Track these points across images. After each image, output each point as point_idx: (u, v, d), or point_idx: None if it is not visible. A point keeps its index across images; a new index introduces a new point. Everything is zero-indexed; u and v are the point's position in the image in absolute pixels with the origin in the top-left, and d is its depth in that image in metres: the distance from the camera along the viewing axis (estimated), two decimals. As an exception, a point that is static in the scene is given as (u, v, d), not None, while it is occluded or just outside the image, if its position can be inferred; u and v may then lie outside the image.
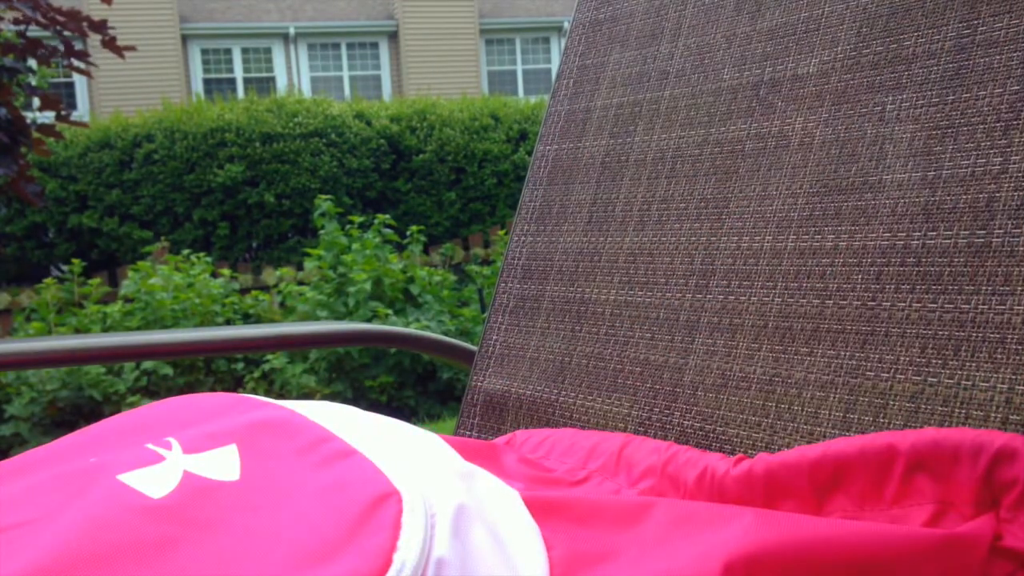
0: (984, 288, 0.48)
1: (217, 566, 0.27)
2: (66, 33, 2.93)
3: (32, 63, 3.04)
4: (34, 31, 2.92)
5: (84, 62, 2.99)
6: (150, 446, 0.32)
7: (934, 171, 0.52)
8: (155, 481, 0.30)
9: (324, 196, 3.94)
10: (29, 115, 3.07)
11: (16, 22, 2.83)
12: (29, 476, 0.31)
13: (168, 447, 0.32)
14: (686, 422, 0.58)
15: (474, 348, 0.81)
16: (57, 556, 0.25)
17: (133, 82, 9.64)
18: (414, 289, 3.57)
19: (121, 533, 0.27)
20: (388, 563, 0.28)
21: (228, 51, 11.57)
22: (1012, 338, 0.46)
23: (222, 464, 0.32)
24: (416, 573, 0.28)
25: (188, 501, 0.29)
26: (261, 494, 0.31)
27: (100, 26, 2.92)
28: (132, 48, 2.95)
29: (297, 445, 0.33)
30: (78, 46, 3.03)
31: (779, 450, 0.48)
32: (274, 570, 0.27)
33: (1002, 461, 0.33)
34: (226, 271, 4.03)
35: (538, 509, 0.35)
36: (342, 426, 0.35)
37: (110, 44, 2.92)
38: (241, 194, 5.80)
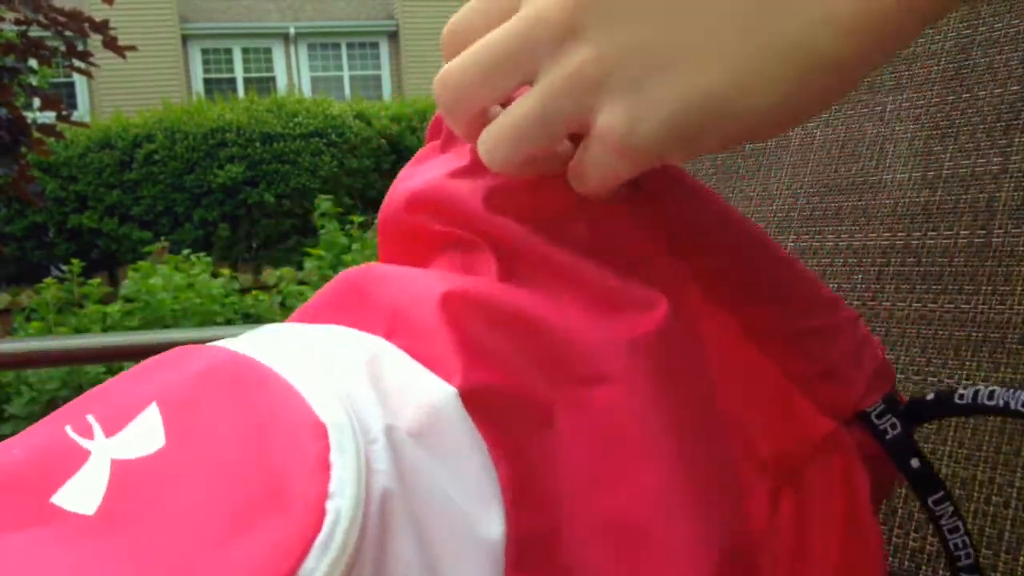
0: (984, 288, 0.48)
1: (143, 566, 0.25)
2: (67, 34, 2.94)
3: (32, 63, 3.05)
4: (35, 31, 2.92)
5: (86, 62, 2.99)
6: (70, 430, 0.29)
7: (934, 171, 0.52)
8: (86, 490, 0.27)
9: (324, 196, 3.94)
10: (29, 115, 3.07)
11: (18, 23, 2.84)
12: None
13: (89, 433, 0.29)
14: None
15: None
16: None
17: (133, 82, 9.65)
18: (414, 289, 3.56)
19: (68, 571, 0.25)
20: (321, 515, 0.24)
21: (228, 51, 11.57)
22: (1012, 338, 0.46)
23: (145, 434, 0.29)
24: (356, 519, 0.25)
25: (120, 497, 0.26)
26: (187, 458, 0.28)
27: (102, 27, 2.92)
28: (133, 48, 2.96)
29: (213, 378, 0.29)
30: (80, 47, 3.04)
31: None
32: (197, 554, 0.25)
33: None
34: (226, 271, 4.03)
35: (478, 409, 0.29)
36: (255, 340, 0.31)
37: (111, 44, 2.93)
38: (241, 194, 5.81)
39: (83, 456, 0.28)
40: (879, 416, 0.33)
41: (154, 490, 0.27)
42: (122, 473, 0.27)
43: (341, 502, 0.24)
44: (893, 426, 0.33)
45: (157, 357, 0.33)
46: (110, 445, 0.28)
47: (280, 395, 0.28)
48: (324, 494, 0.24)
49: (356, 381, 0.29)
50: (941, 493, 0.33)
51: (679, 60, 0.25)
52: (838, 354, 0.33)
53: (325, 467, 0.25)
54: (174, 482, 0.27)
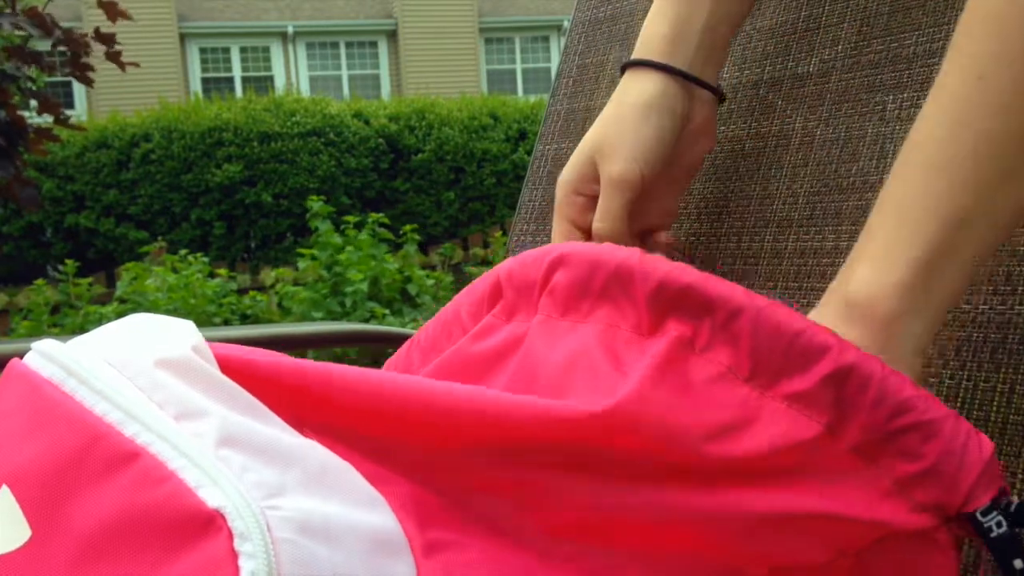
0: (985, 287, 0.48)
1: None
2: (69, 51, 2.94)
3: (33, 68, 3.04)
4: (37, 40, 2.92)
5: (84, 72, 3.00)
6: None
7: (935, 171, 0.52)
8: None
9: (316, 197, 3.93)
10: (26, 114, 3.06)
11: (18, 28, 2.83)
12: None
13: None
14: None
15: (472, 348, 0.81)
16: None
17: (131, 81, 9.63)
18: (412, 289, 3.57)
19: None
20: None
21: (227, 50, 11.56)
22: (1013, 338, 0.46)
23: (3, 525, 0.26)
24: None
25: None
26: (56, 553, 0.26)
27: (107, 39, 2.92)
28: (135, 64, 2.96)
29: (68, 450, 0.27)
30: (82, 58, 3.04)
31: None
32: None
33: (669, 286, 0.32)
34: (223, 271, 4.03)
35: (376, 479, 0.30)
36: (109, 388, 0.29)
37: (114, 57, 2.93)
38: (239, 194, 5.80)
39: None
40: (984, 513, 0.31)
41: None
42: None
43: None
44: (999, 524, 0.31)
45: None
46: None
47: (148, 476, 0.26)
48: None
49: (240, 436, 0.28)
50: None
51: None
52: (938, 453, 0.31)
53: (231, 561, 0.24)
54: None
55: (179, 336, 0.32)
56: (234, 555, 0.24)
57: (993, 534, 0.31)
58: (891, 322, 0.36)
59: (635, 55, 0.53)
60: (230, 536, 0.24)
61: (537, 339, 0.34)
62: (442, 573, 0.28)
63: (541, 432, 0.30)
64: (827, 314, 0.38)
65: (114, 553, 0.25)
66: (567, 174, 0.53)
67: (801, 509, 0.30)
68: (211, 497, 0.25)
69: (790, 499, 0.30)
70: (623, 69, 0.53)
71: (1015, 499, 0.32)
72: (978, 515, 0.31)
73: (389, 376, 0.32)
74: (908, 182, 0.37)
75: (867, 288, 0.36)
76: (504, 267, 0.37)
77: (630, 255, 0.33)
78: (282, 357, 0.33)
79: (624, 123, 0.51)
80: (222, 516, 0.25)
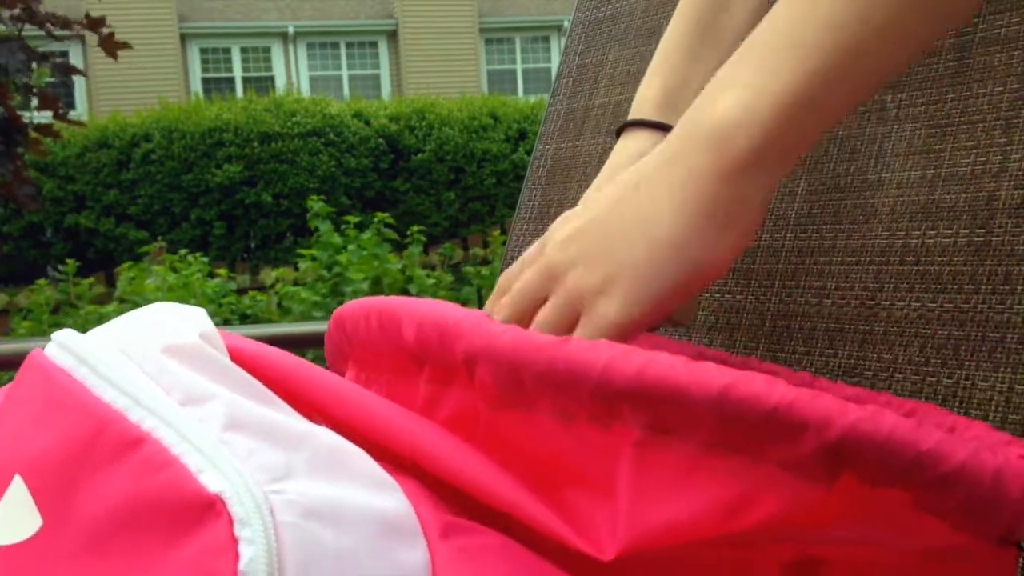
0: (984, 287, 0.48)
1: None
2: (60, 35, 2.94)
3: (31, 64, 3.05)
4: (30, 30, 2.92)
5: (76, 72, 2.99)
6: None
7: (933, 169, 0.52)
8: None
9: (316, 196, 3.93)
10: (27, 114, 3.06)
11: (13, 20, 2.83)
12: None
13: None
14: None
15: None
16: None
17: (131, 81, 9.63)
18: (412, 289, 3.57)
19: None
20: None
21: (227, 50, 11.56)
22: (1012, 337, 0.46)
23: (15, 514, 0.26)
24: None
25: None
26: (65, 541, 0.26)
27: (98, 23, 2.92)
28: (127, 46, 2.95)
29: (77, 438, 0.27)
30: (73, 53, 3.04)
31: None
32: None
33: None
34: (223, 271, 4.02)
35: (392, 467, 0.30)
36: (117, 374, 0.29)
37: (106, 43, 2.92)
38: (239, 194, 5.80)
39: None
40: None
41: None
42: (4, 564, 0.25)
43: None
44: None
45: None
46: None
47: (153, 461, 0.26)
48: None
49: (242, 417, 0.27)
50: None
51: (624, 274, 0.38)
52: (961, 499, 0.28)
53: (233, 551, 0.24)
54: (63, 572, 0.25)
55: (189, 323, 0.32)
56: (234, 541, 0.24)
57: None
58: (748, 158, 0.34)
59: (628, 117, 0.51)
60: (230, 521, 0.24)
61: (499, 427, 0.32)
62: (458, 554, 0.28)
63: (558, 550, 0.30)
64: (681, 135, 0.36)
65: (119, 543, 0.25)
66: None
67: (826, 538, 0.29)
68: (212, 482, 0.25)
69: (814, 533, 0.29)
70: (617, 133, 0.51)
71: None
72: (1023, 545, 0.30)
73: (410, 418, 0.32)
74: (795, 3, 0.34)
75: (731, 113, 0.34)
76: (410, 332, 0.34)
77: (555, 349, 0.30)
78: (299, 360, 0.34)
79: None
80: (222, 501, 0.25)
